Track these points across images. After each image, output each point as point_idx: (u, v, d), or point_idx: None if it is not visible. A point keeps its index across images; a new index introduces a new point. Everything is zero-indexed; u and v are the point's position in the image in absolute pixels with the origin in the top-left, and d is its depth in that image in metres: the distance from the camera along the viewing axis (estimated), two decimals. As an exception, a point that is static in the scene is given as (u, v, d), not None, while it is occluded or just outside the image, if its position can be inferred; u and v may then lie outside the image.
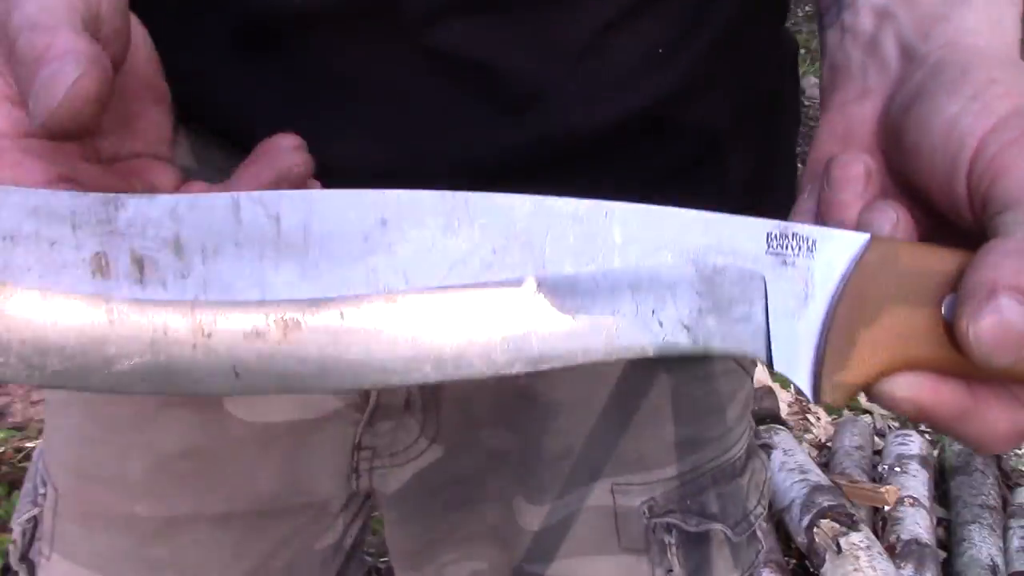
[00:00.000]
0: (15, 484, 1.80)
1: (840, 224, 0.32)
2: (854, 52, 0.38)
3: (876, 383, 0.30)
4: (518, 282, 0.30)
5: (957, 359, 0.29)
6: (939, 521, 1.81)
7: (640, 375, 0.60)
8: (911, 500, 1.74)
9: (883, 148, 0.34)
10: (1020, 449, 2.10)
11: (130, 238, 0.30)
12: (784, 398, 2.15)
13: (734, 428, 0.65)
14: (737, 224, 0.31)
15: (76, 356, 0.29)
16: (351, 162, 0.43)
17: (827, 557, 1.59)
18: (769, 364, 0.31)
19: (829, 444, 2.04)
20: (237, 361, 0.30)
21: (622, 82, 0.48)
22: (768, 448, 0.65)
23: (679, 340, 0.31)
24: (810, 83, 3.93)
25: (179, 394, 0.35)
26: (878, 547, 1.59)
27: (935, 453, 1.98)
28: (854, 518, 1.63)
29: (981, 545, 1.67)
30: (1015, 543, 1.69)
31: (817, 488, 1.71)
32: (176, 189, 0.37)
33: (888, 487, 1.74)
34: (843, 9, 0.39)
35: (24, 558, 0.63)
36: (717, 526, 0.64)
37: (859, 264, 0.30)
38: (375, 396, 0.58)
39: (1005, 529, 1.75)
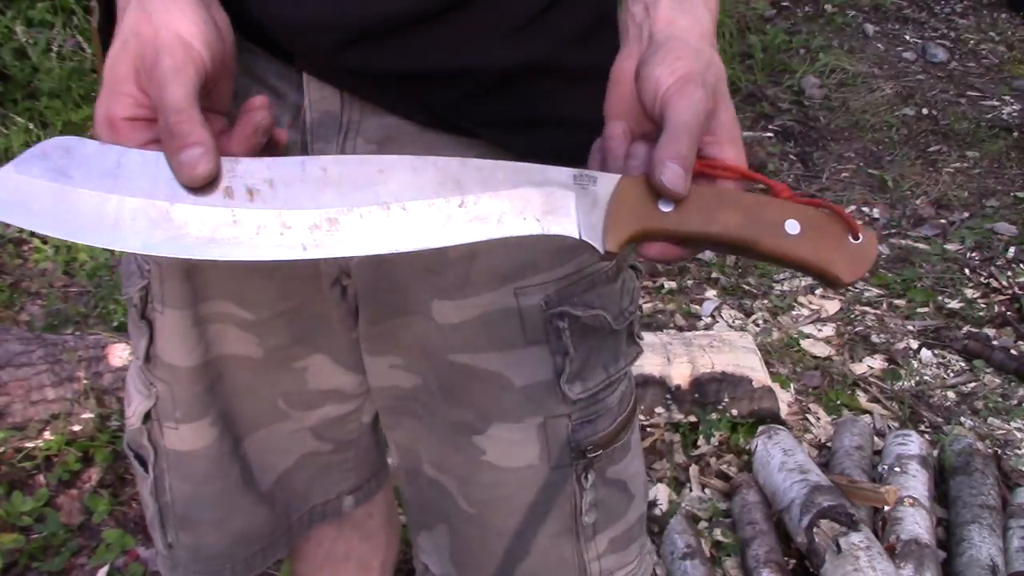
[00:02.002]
0: (15, 484, 1.80)
1: (616, 158, 0.59)
2: (631, 29, 0.64)
3: (639, 247, 0.58)
4: (453, 198, 0.57)
5: (665, 230, 0.57)
6: (939, 521, 1.82)
7: None
8: (911, 500, 1.74)
9: (636, 85, 0.61)
10: (1020, 448, 2.11)
11: (244, 178, 0.56)
12: (784, 398, 2.15)
13: None
14: (559, 170, 0.58)
15: (213, 239, 0.55)
16: (322, 18, 0.67)
17: (827, 557, 1.59)
18: (580, 236, 0.58)
19: (829, 444, 2.04)
20: (305, 241, 0.56)
21: None
22: (637, 270, 0.87)
23: (533, 227, 0.58)
24: (810, 83, 3.92)
25: (270, 262, 0.56)
26: (878, 547, 1.59)
27: (935, 453, 1.98)
28: (854, 518, 1.63)
29: (981, 545, 1.67)
30: (1015, 543, 1.69)
31: (817, 488, 1.71)
32: (222, 134, 0.58)
33: (888, 487, 1.74)
34: None
35: (143, 317, 0.85)
36: (601, 312, 0.81)
37: (617, 188, 0.57)
38: None
39: (1005, 529, 1.75)
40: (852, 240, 0.58)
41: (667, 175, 0.54)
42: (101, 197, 0.54)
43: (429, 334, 0.81)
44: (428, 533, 0.92)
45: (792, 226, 0.57)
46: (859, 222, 0.57)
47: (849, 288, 2.70)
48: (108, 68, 0.57)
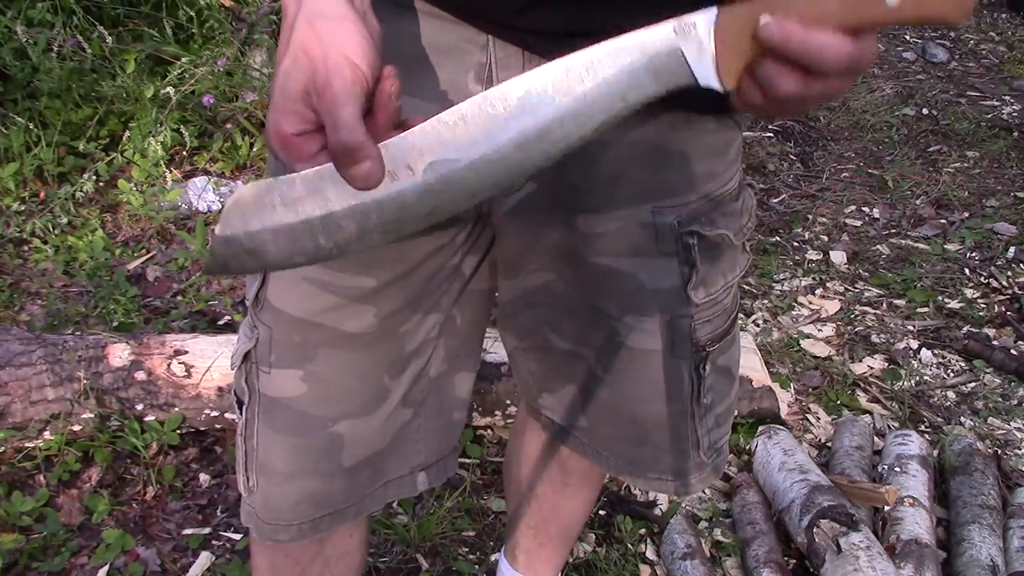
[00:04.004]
0: (15, 484, 1.80)
1: None
2: None
3: (759, 75, 0.60)
4: (577, 87, 0.61)
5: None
6: (939, 521, 1.81)
7: (668, 131, 0.88)
8: (911, 500, 1.74)
9: None
10: (1020, 448, 2.11)
11: (400, 159, 0.61)
12: (784, 398, 2.15)
13: (731, 166, 0.94)
14: (659, 32, 0.62)
15: (364, 216, 0.62)
16: None
17: (827, 557, 1.59)
18: (696, 82, 0.62)
19: (829, 444, 2.04)
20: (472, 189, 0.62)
21: None
22: (752, 186, 0.87)
23: (658, 91, 0.62)
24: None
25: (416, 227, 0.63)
26: (878, 547, 1.58)
27: (935, 453, 1.98)
28: (854, 518, 1.63)
29: (981, 545, 1.67)
30: (1015, 543, 1.69)
31: (817, 488, 1.71)
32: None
33: (888, 487, 1.74)
34: None
35: (259, 293, 0.93)
36: (725, 231, 0.93)
37: (716, 23, 0.60)
38: None
39: (1005, 529, 1.75)
40: None
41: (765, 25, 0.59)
42: (308, 223, 0.62)
43: (571, 240, 0.92)
44: (551, 394, 1.08)
45: None
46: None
47: (849, 288, 2.70)
48: (279, 83, 0.63)
